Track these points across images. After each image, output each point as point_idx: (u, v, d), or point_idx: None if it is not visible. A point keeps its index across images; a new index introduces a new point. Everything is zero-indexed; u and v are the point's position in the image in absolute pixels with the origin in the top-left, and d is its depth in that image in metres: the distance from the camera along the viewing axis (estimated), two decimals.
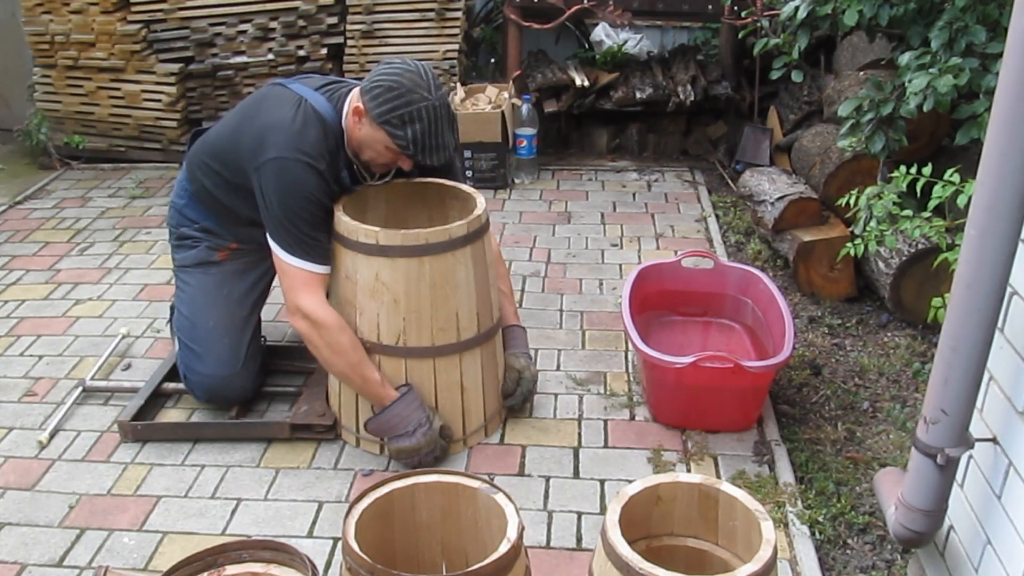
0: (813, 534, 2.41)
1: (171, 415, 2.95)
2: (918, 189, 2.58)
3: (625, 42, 5.47)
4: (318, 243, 2.56)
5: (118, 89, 5.01)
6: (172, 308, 3.10)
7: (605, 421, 2.88)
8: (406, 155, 2.53)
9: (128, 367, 3.20)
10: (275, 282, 2.92)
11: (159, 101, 4.99)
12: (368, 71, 5.30)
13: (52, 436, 2.81)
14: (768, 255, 3.95)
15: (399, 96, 2.46)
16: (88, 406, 2.98)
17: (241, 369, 2.83)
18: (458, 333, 2.60)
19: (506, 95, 4.80)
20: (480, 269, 2.62)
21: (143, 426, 2.80)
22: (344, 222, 2.54)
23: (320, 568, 2.19)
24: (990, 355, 1.76)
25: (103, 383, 3.06)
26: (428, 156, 2.53)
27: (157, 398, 2.97)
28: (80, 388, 3.01)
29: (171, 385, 3.00)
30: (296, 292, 2.55)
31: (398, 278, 2.51)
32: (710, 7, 4.94)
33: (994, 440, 1.83)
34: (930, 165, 2.57)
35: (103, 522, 2.47)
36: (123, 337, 3.31)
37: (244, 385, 2.88)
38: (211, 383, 2.84)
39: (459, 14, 4.99)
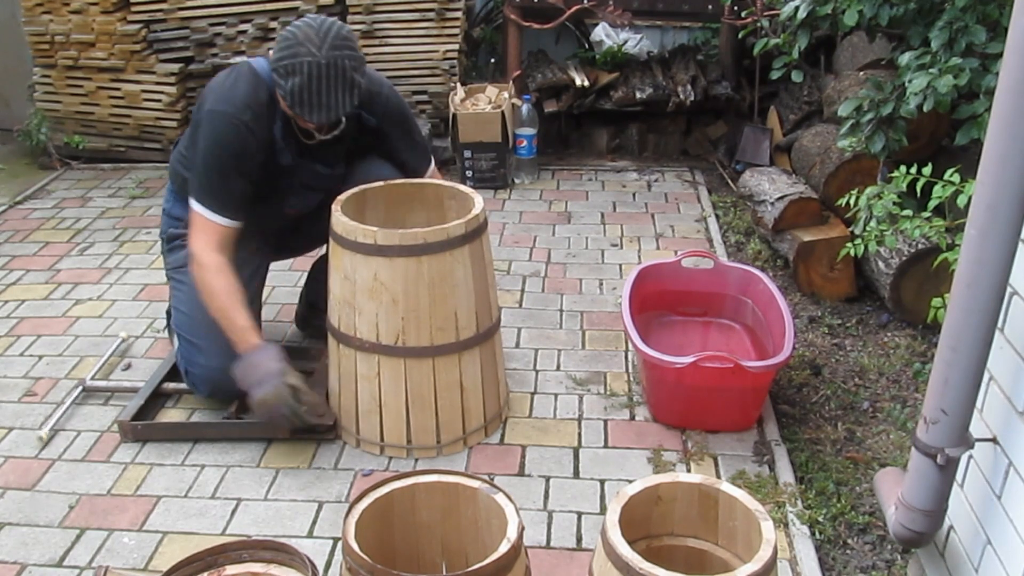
0: (813, 534, 2.41)
1: (171, 415, 2.95)
2: (918, 189, 2.58)
3: (625, 42, 5.47)
4: (224, 194, 2.65)
5: (118, 89, 5.01)
6: (168, 313, 3.11)
7: (605, 421, 2.88)
8: (287, 105, 2.58)
9: (128, 367, 3.20)
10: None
11: (159, 101, 4.99)
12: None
13: (52, 435, 2.81)
14: (768, 255, 3.95)
15: (288, 47, 2.52)
16: (88, 406, 2.98)
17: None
18: (457, 332, 2.60)
19: (506, 95, 4.80)
20: (479, 268, 2.62)
21: (143, 426, 2.80)
22: (342, 222, 2.54)
23: (320, 568, 2.19)
24: (990, 355, 1.76)
25: (103, 383, 3.06)
26: (307, 112, 2.55)
27: (157, 398, 2.96)
28: (80, 388, 3.01)
29: (171, 385, 3.00)
30: (192, 234, 2.68)
31: (396, 278, 2.51)
32: (710, 7, 4.94)
33: (994, 440, 1.83)
34: (930, 165, 2.56)
35: (103, 522, 2.47)
36: (123, 341, 3.30)
37: None
38: (213, 375, 2.82)
39: (459, 14, 4.98)
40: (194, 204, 2.67)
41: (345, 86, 2.55)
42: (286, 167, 2.78)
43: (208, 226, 2.65)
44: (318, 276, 3.15)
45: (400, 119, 2.93)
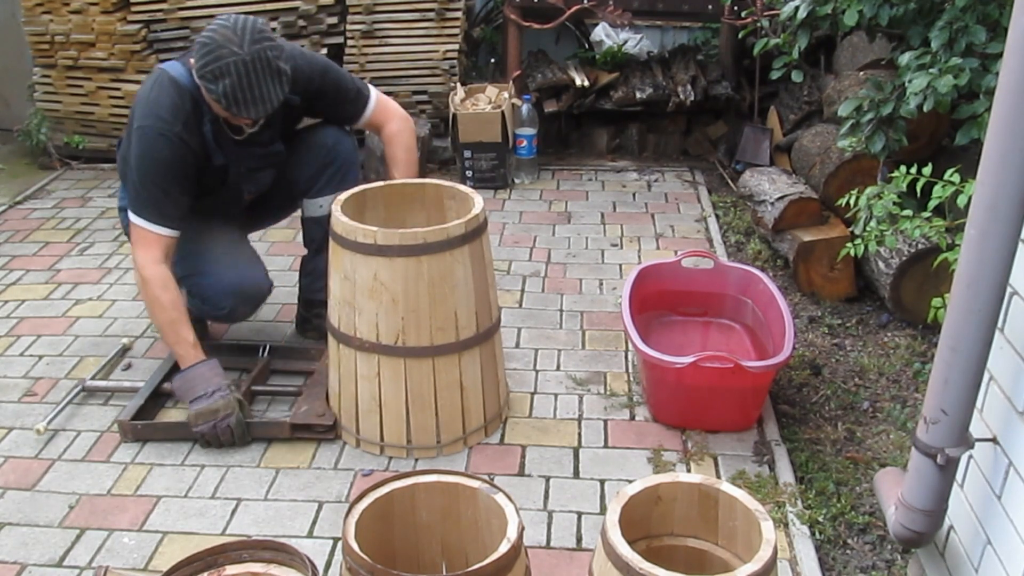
0: (813, 534, 2.41)
1: (171, 415, 2.95)
2: (918, 189, 2.58)
3: (625, 42, 5.47)
4: (162, 205, 2.73)
5: (118, 89, 5.01)
6: None
7: (605, 421, 2.88)
8: (222, 108, 2.63)
9: (128, 367, 3.20)
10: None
11: None
12: (368, 71, 5.31)
13: (52, 435, 2.81)
14: (768, 255, 3.95)
15: (210, 52, 2.57)
16: (88, 406, 2.98)
17: (248, 265, 2.96)
18: (457, 332, 2.60)
19: (506, 95, 4.80)
20: (479, 268, 2.62)
21: (143, 426, 2.80)
22: (342, 222, 2.54)
23: (320, 568, 2.19)
24: (990, 355, 1.76)
25: (103, 383, 3.06)
26: (244, 110, 2.62)
27: (157, 398, 2.96)
28: (80, 388, 3.01)
29: (171, 385, 3.00)
30: (135, 247, 2.77)
31: (396, 278, 2.51)
32: (710, 7, 4.94)
33: (994, 440, 1.83)
34: (930, 165, 2.56)
35: (103, 522, 2.47)
36: (125, 349, 3.30)
37: (258, 276, 2.99)
38: (230, 281, 2.91)
39: (459, 14, 4.98)
40: (133, 217, 2.75)
41: (274, 76, 2.61)
42: (223, 165, 2.86)
43: (149, 237, 2.73)
44: (307, 272, 3.25)
45: (319, 85, 2.95)
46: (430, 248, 2.50)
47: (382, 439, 2.70)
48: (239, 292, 2.95)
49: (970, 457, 1.93)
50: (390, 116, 3.09)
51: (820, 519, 2.45)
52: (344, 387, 2.72)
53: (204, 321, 3.42)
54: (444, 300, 2.56)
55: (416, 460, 2.70)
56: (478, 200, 2.68)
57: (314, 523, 2.47)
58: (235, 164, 2.89)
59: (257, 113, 2.65)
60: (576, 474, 2.64)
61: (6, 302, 3.67)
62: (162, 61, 4.86)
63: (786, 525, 2.43)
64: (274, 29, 4.87)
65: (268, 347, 3.18)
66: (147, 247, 2.74)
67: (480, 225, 2.62)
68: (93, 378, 3.07)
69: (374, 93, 3.10)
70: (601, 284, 3.78)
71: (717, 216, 4.42)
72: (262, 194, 3.11)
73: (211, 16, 4.82)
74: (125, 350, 3.30)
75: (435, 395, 2.65)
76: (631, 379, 3.10)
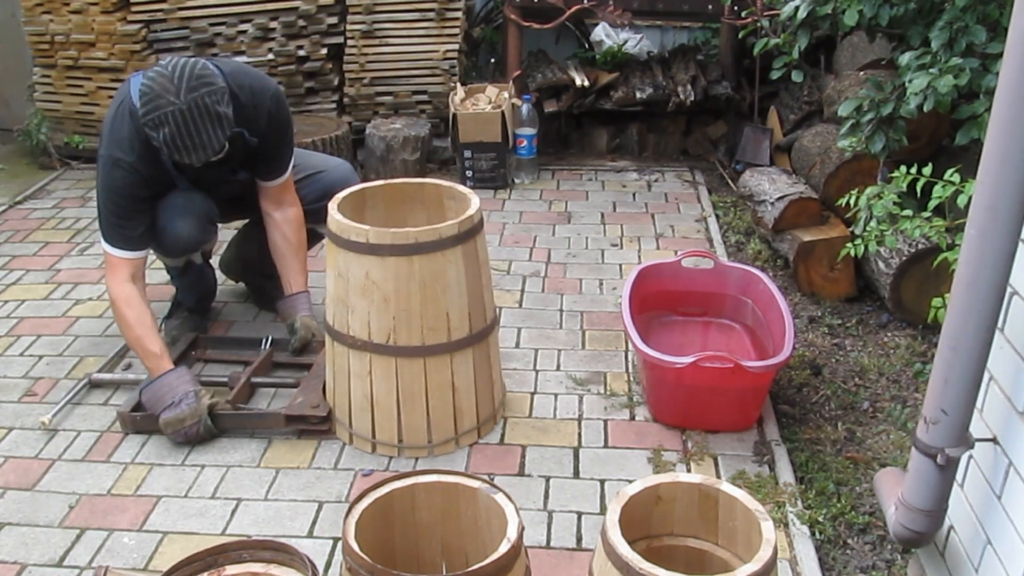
0: (813, 534, 2.41)
1: None
2: (918, 189, 2.58)
3: (625, 42, 5.47)
4: (124, 231, 2.83)
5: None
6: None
7: (605, 421, 2.88)
8: (166, 154, 2.67)
9: (129, 366, 3.20)
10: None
11: None
12: (368, 71, 5.30)
13: (52, 426, 2.82)
14: (768, 255, 3.95)
15: (149, 101, 2.61)
16: (88, 406, 2.98)
17: (197, 197, 2.99)
18: (448, 333, 2.60)
19: (506, 95, 4.80)
20: (472, 269, 2.62)
21: (143, 417, 2.81)
22: (337, 221, 2.54)
23: (320, 568, 2.19)
24: (990, 355, 1.76)
25: (109, 376, 3.08)
26: (185, 156, 2.66)
27: None
28: (87, 380, 3.03)
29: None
30: (106, 271, 2.91)
31: (388, 277, 2.51)
32: (710, 7, 4.94)
33: (994, 440, 1.83)
34: (930, 165, 2.56)
35: (103, 522, 2.47)
36: (126, 348, 3.30)
37: (204, 206, 3.02)
38: (178, 204, 2.95)
39: (459, 14, 4.99)
40: (103, 244, 2.86)
41: (213, 122, 2.63)
42: (187, 186, 2.94)
43: (117, 262, 2.85)
44: (250, 237, 3.34)
45: (276, 139, 2.98)
46: (422, 248, 2.50)
47: (374, 437, 2.70)
48: (184, 211, 2.97)
49: (970, 457, 1.93)
50: (292, 200, 3.13)
51: (820, 519, 2.45)
52: (338, 383, 2.72)
53: (204, 320, 3.43)
54: (435, 300, 2.56)
55: (416, 460, 2.70)
56: (474, 201, 2.67)
57: (314, 523, 2.47)
58: (201, 183, 2.97)
59: (199, 159, 2.67)
60: (576, 474, 2.64)
61: (6, 302, 3.67)
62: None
63: (786, 525, 2.43)
64: (273, 29, 4.88)
65: (271, 339, 3.19)
66: (114, 270, 2.85)
67: (474, 226, 2.62)
68: (100, 371, 3.08)
69: (278, 179, 3.10)
70: (601, 284, 3.78)
71: (717, 216, 4.42)
72: (233, 198, 3.16)
73: (211, 16, 4.88)
74: (126, 349, 3.29)
75: (426, 395, 2.65)
76: (631, 379, 3.10)
